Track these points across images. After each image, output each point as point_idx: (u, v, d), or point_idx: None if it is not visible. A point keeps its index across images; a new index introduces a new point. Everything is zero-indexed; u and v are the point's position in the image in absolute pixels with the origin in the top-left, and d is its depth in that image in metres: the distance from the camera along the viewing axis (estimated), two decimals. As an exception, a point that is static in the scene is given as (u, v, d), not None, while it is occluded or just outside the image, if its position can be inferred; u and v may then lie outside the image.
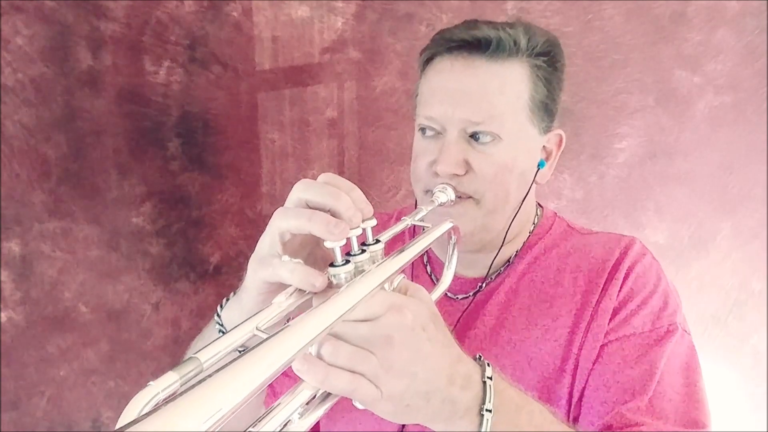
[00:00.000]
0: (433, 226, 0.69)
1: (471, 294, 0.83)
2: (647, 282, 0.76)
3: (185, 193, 1.30)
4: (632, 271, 0.76)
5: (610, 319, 0.74)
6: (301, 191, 0.54)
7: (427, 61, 0.81)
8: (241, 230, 1.33)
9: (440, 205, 0.75)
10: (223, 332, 0.62)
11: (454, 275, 0.76)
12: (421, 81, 0.82)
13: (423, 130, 0.80)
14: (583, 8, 1.36)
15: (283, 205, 0.55)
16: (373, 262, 0.54)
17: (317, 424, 0.88)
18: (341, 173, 1.34)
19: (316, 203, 0.53)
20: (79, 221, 1.23)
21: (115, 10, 1.19)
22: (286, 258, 0.52)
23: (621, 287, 0.75)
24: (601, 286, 0.76)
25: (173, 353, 1.34)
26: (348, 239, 0.52)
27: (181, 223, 1.30)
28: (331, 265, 0.52)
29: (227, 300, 0.65)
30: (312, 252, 0.59)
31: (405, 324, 0.50)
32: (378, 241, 0.56)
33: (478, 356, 0.57)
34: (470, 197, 0.77)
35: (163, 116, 1.25)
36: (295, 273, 0.51)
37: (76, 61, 1.19)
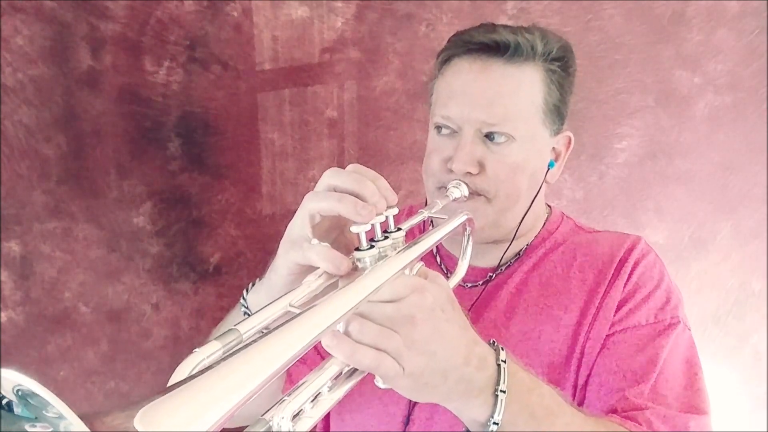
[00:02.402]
0: (449, 217, 0.72)
1: (480, 283, 0.86)
2: (651, 277, 0.79)
3: (185, 193, 1.30)
4: (637, 267, 0.79)
5: (616, 312, 0.77)
6: (330, 178, 0.58)
7: (445, 61, 0.83)
8: (241, 230, 1.33)
9: (454, 200, 0.77)
10: (249, 315, 0.65)
11: None
12: (437, 80, 0.84)
13: (439, 128, 0.82)
14: (583, 8, 1.36)
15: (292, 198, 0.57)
16: (395, 249, 0.57)
17: (327, 421, 0.90)
18: (341, 173, 1.33)
19: (344, 189, 0.56)
20: (79, 221, 1.23)
21: (115, 10, 1.19)
22: (315, 241, 0.55)
23: (626, 282, 0.78)
24: (608, 280, 0.79)
25: (173, 353, 1.34)
26: (372, 226, 0.55)
27: (181, 223, 1.30)
28: (357, 249, 0.55)
29: (253, 284, 0.68)
30: (337, 238, 0.62)
31: (426, 305, 0.52)
32: (399, 228, 0.59)
33: (492, 341, 0.60)
34: (482, 195, 0.80)
35: (163, 116, 1.25)
36: (322, 256, 0.54)
37: (76, 61, 1.19)
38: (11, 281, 1.20)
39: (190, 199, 1.30)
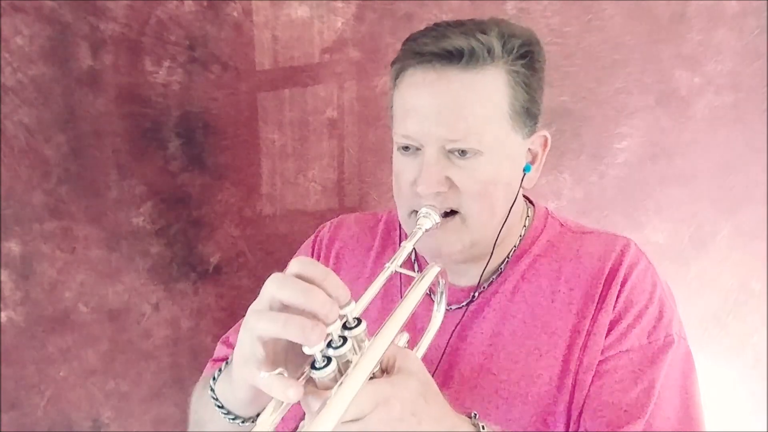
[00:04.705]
0: (419, 276, 0.65)
1: (464, 304, 0.81)
2: (643, 292, 0.75)
3: (185, 193, 1.30)
4: (628, 280, 0.75)
5: (607, 334, 0.73)
6: (274, 290, 0.52)
7: (399, 72, 0.76)
8: (241, 230, 1.33)
9: (426, 231, 0.72)
10: (220, 407, 0.63)
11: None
12: (394, 93, 0.77)
13: (400, 148, 0.77)
14: (583, 8, 1.36)
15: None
16: (359, 347, 0.52)
17: None
18: (341, 173, 1.34)
19: (290, 303, 0.51)
20: (79, 221, 1.23)
21: (115, 10, 1.19)
22: (264, 374, 0.51)
23: (617, 299, 0.74)
24: (597, 297, 0.75)
25: (173, 353, 1.34)
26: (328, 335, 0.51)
27: (181, 223, 1.30)
28: (313, 366, 0.50)
29: (220, 371, 0.65)
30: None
31: (394, 416, 0.49)
32: (359, 321, 0.53)
33: (473, 415, 0.57)
34: (456, 212, 0.75)
35: (163, 116, 1.25)
36: (273, 389, 0.49)
37: (76, 61, 1.19)
38: (11, 281, 1.20)
39: (190, 199, 1.30)
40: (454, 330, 0.79)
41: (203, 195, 1.31)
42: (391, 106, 0.79)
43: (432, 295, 0.78)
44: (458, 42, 0.70)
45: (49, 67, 1.17)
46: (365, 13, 1.31)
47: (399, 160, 0.78)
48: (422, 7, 1.31)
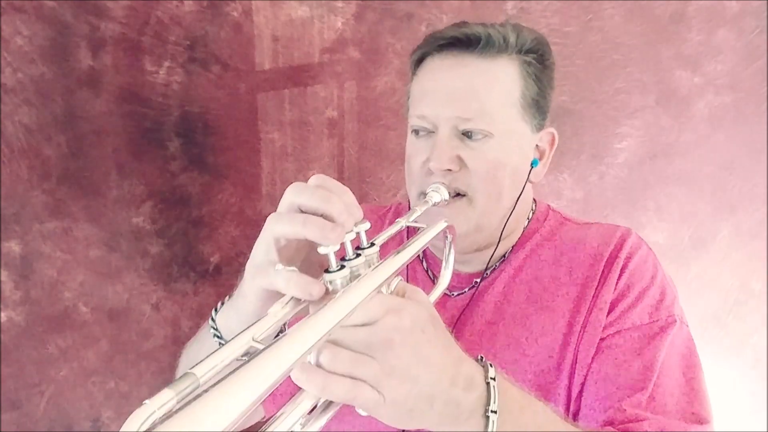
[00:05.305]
0: (428, 226, 0.68)
1: (467, 290, 0.83)
2: (644, 274, 0.76)
3: (185, 193, 1.30)
4: (629, 263, 0.76)
5: (608, 313, 0.74)
6: (293, 195, 0.53)
7: (418, 62, 0.81)
8: (241, 230, 1.33)
9: (434, 204, 0.74)
10: (219, 337, 0.63)
11: None
12: (412, 82, 0.82)
13: (415, 131, 0.81)
14: (583, 8, 1.36)
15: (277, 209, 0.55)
16: (369, 266, 0.53)
17: None
18: (341, 173, 1.34)
19: (309, 207, 0.52)
20: (79, 221, 1.23)
21: (115, 10, 1.19)
22: (280, 267, 0.51)
23: (618, 280, 0.75)
24: (598, 278, 0.76)
25: (173, 353, 1.33)
26: (342, 244, 0.52)
27: (181, 223, 1.30)
28: (326, 270, 0.51)
29: (222, 304, 0.64)
30: (307, 257, 0.58)
31: (404, 326, 0.49)
32: (373, 244, 0.55)
33: (480, 357, 0.56)
34: (464, 195, 0.77)
35: (163, 116, 1.25)
36: (291, 282, 0.49)
37: (76, 61, 1.19)
38: (11, 281, 1.20)
39: (190, 199, 1.30)
40: (459, 315, 0.80)
41: (203, 195, 1.31)
42: (408, 97, 0.83)
43: (435, 280, 0.80)
44: (477, 29, 0.75)
45: (49, 67, 1.17)
46: (365, 13, 1.31)
47: (412, 143, 0.81)
48: (422, 7, 1.31)
